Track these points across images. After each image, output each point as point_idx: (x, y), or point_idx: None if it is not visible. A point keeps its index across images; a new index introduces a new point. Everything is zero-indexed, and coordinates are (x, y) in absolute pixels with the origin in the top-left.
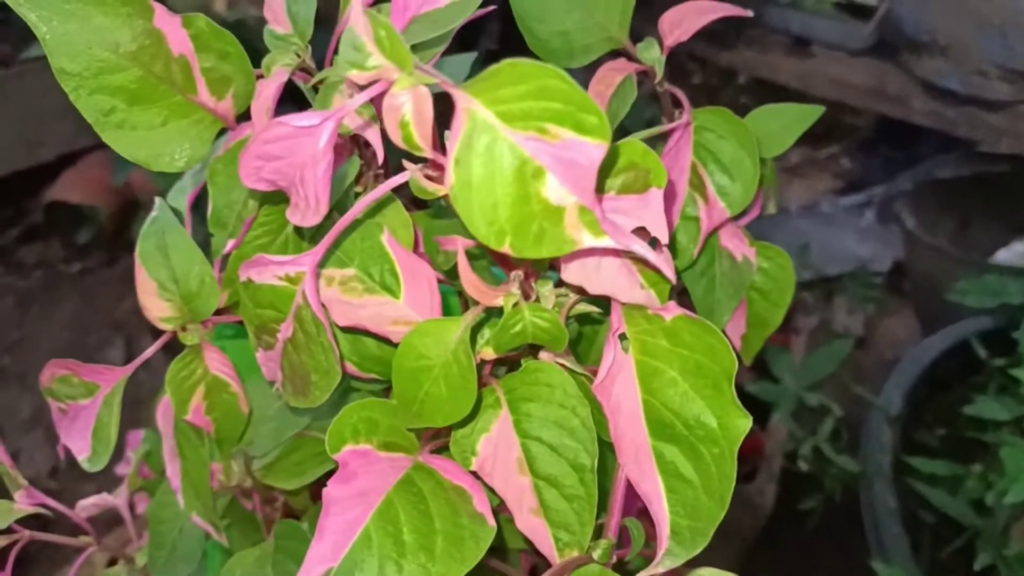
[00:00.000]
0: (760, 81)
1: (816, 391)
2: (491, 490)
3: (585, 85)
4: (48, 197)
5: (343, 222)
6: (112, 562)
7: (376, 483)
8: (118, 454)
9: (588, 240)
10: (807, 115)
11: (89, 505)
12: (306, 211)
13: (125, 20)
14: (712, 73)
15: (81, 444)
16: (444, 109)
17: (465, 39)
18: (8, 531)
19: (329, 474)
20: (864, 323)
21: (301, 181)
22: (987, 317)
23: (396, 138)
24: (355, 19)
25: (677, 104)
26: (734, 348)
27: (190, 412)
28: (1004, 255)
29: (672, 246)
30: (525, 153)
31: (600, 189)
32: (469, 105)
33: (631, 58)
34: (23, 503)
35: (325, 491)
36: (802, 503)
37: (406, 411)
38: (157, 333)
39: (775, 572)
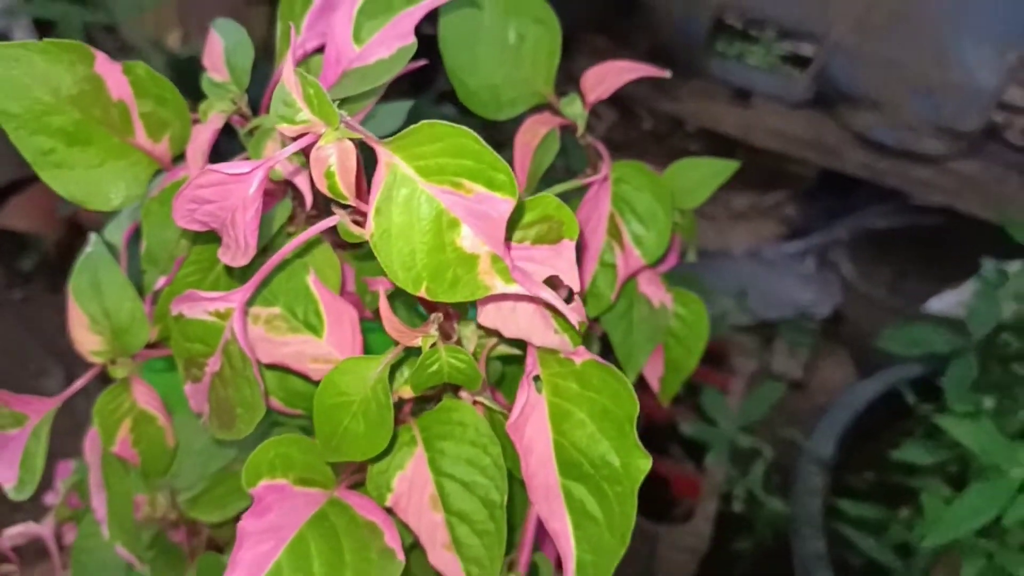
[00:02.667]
0: (706, 130)
1: (750, 434)
2: (404, 526)
3: (513, 136)
4: None
5: (272, 262)
6: None
7: (290, 518)
8: (47, 483)
9: (500, 286)
10: (723, 170)
11: (15, 534)
12: (236, 252)
13: (67, 66)
14: (661, 120)
15: (8, 473)
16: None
17: (419, 81)
18: None
19: None
20: (803, 367)
21: (232, 224)
22: (917, 365)
23: (322, 187)
24: (286, 77)
25: (600, 156)
26: (655, 390)
27: (116, 444)
28: (936, 304)
29: (591, 291)
30: (441, 205)
31: (511, 239)
32: (390, 160)
33: (555, 112)
34: None
35: (239, 524)
36: (735, 544)
37: (325, 446)
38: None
39: None
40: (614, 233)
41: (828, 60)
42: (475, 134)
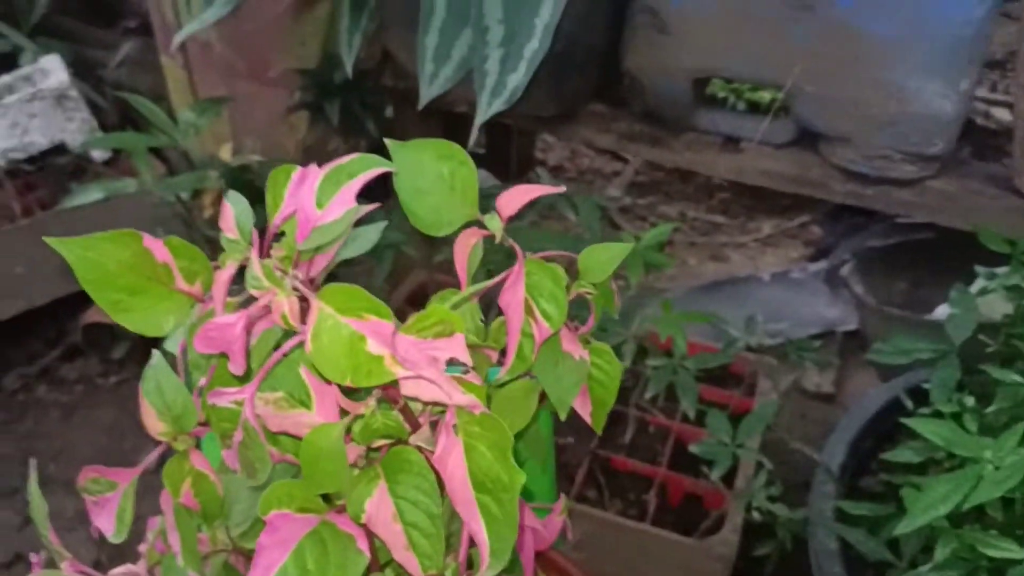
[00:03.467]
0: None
1: (758, 449)
2: (375, 536)
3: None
4: (85, 319)
5: (266, 368)
6: None
7: (293, 534)
8: (141, 535)
9: (400, 372)
10: (621, 252)
11: (119, 573)
12: (236, 365)
13: (124, 246)
14: (657, 170)
15: (108, 525)
16: None
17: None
18: None
19: None
20: (833, 381)
21: (230, 349)
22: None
23: (279, 321)
24: (254, 264)
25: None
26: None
27: (182, 496)
28: (942, 311)
29: (519, 354)
30: (353, 328)
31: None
32: (319, 304)
33: (481, 226)
34: (69, 572)
35: (258, 541)
36: (759, 549)
37: (309, 482)
38: None
39: None
40: (529, 311)
41: (799, 104)
42: (365, 291)
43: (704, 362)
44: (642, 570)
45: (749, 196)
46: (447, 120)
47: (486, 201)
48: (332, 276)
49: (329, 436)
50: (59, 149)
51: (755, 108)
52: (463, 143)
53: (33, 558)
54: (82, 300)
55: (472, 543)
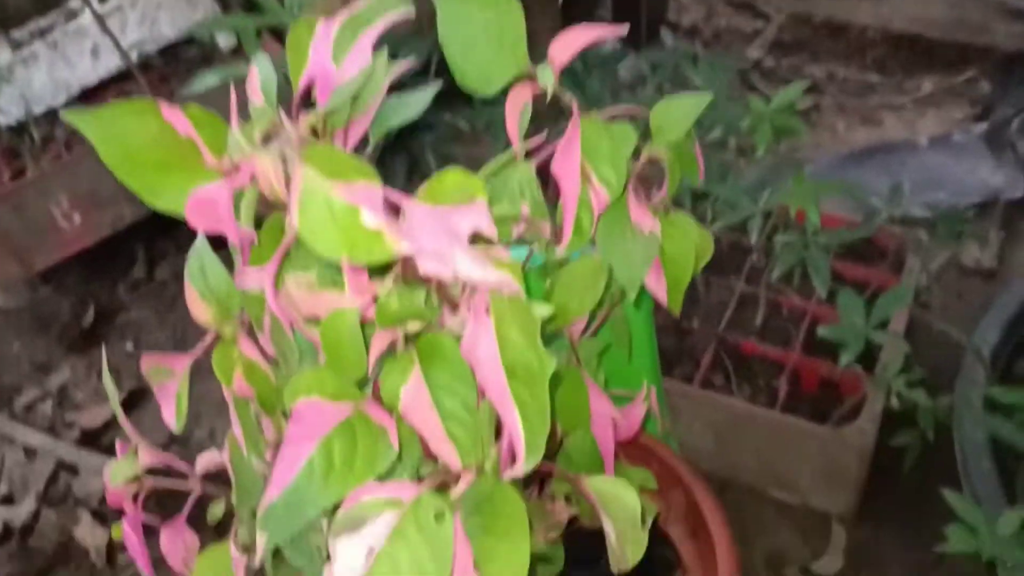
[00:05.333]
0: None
1: (903, 332)
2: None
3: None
4: None
5: (284, 245)
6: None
7: (321, 426)
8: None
9: (404, 248)
10: (698, 104)
11: (205, 460)
12: (231, 240)
13: (147, 120)
14: (802, 26)
15: (170, 412)
16: None
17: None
18: (136, 480)
19: None
20: (995, 256)
21: (220, 222)
22: None
23: (265, 191)
24: (232, 131)
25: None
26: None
27: (234, 385)
28: None
29: (576, 227)
30: (342, 199)
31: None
32: (303, 169)
33: (533, 79)
34: (145, 460)
35: (285, 432)
36: (899, 440)
37: (332, 367)
38: None
39: (884, 510)
40: (585, 177)
41: None
42: (350, 155)
43: (839, 237)
44: (771, 460)
45: (907, 50)
46: None
47: (608, 67)
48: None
49: (346, 319)
50: (187, 40)
51: None
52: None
53: (118, 445)
54: None
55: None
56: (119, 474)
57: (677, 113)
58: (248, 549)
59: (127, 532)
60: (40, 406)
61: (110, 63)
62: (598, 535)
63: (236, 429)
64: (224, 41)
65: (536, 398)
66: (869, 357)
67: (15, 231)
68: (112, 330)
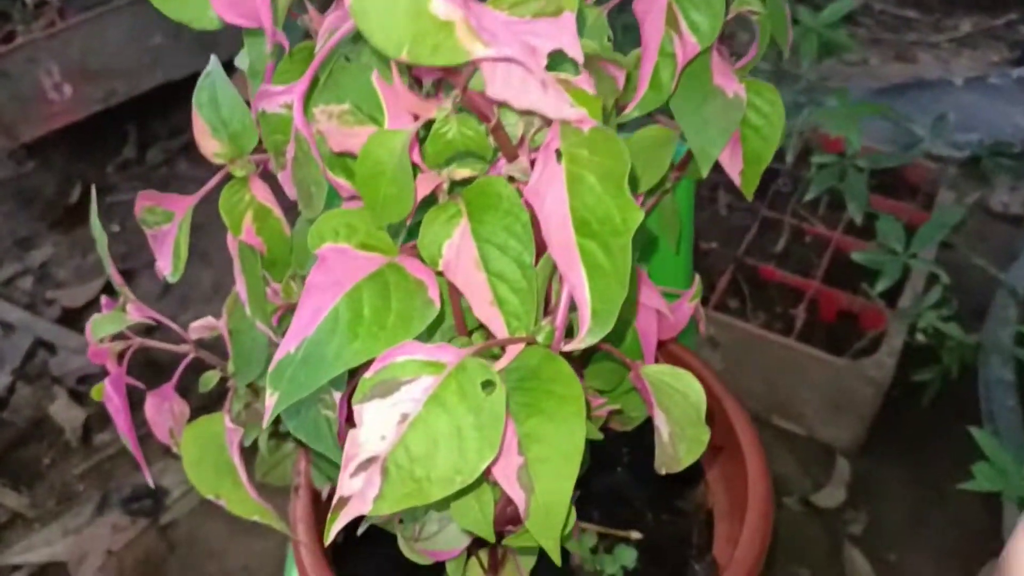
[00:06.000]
0: None
1: (932, 262)
2: (452, 286)
3: None
4: None
5: (319, 58)
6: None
7: (349, 275)
8: (226, 291)
9: (479, 51)
10: None
11: (199, 326)
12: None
13: None
14: None
15: (166, 263)
16: None
17: None
18: (122, 337)
19: None
20: None
21: (256, 16)
22: None
23: None
24: None
25: None
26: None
27: (243, 232)
28: None
29: (653, 82)
30: None
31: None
32: None
33: None
34: (133, 315)
35: (307, 279)
36: (920, 375)
37: (370, 210)
38: None
39: (892, 445)
40: (671, 22)
41: None
42: None
43: (878, 162)
44: (783, 387)
45: None
46: None
47: None
48: None
49: (391, 145)
50: None
51: None
52: None
53: (104, 301)
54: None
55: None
56: (103, 328)
57: None
58: (242, 421)
59: (108, 393)
60: (20, 282)
61: None
62: (619, 439)
63: (240, 286)
64: None
65: (613, 258)
66: (891, 292)
67: (1, 99)
68: (99, 210)
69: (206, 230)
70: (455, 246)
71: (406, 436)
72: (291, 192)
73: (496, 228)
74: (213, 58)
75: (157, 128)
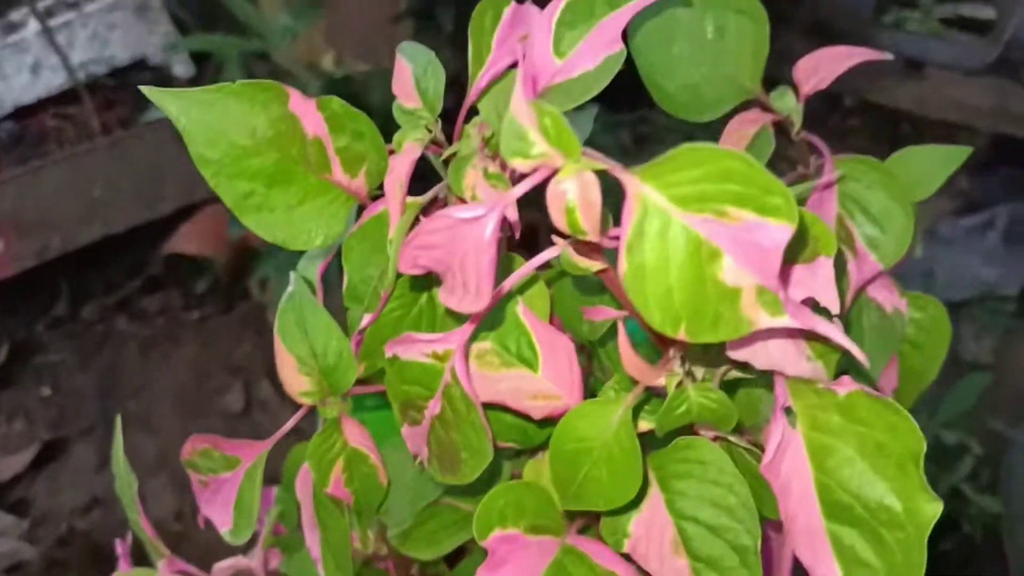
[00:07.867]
0: (866, 104)
1: (952, 428)
2: (646, 574)
3: (718, 136)
4: (167, 249)
5: (494, 299)
6: None
7: (526, 570)
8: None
9: (766, 321)
10: (955, 156)
11: (225, 567)
12: (464, 297)
13: (262, 107)
14: (815, 97)
15: (223, 517)
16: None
17: None
18: None
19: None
20: (993, 350)
21: (461, 268)
22: None
23: (561, 224)
24: (517, 108)
25: (814, 151)
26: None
27: (331, 485)
28: None
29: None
30: (700, 235)
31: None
32: (640, 190)
33: (765, 108)
34: (165, 572)
35: None
36: (941, 545)
37: (564, 495)
38: (274, 377)
39: None
40: (844, 237)
41: (1015, 20)
42: (746, 155)
43: None
44: None
45: (887, 142)
46: None
47: None
48: None
49: (603, 424)
50: (140, 64)
51: (949, 25)
52: None
53: (119, 547)
54: (164, 228)
55: None
56: None
57: (924, 165)
58: None
59: None
60: None
61: (50, 82)
62: None
63: (311, 542)
64: (181, 68)
65: (889, 557)
66: None
67: None
68: (27, 372)
69: (146, 392)
70: (644, 523)
71: None
72: (416, 449)
73: (701, 502)
74: (294, 275)
75: (93, 283)
